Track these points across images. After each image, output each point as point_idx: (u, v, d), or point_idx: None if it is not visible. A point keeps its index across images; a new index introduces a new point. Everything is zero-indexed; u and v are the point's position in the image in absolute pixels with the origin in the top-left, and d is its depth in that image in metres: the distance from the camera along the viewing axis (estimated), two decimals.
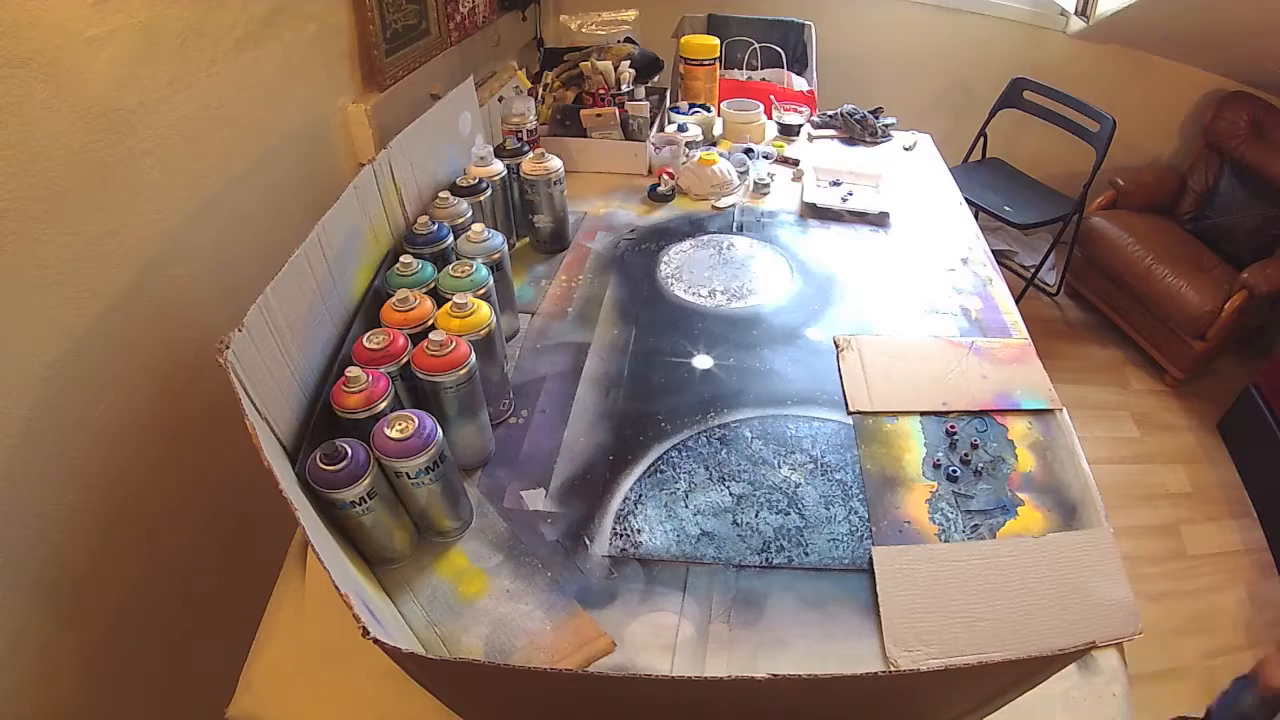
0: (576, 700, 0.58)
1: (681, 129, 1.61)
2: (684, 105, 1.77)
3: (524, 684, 0.54)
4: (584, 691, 0.55)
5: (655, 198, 1.50)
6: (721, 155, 1.54)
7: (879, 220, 1.44)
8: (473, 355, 0.82)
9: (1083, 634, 0.74)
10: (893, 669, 0.49)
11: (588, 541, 0.83)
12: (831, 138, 1.80)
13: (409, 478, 0.74)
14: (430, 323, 0.87)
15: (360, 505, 0.71)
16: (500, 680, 0.54)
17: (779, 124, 1.80)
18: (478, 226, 1.02)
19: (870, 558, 0.81)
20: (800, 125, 1.79)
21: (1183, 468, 2.07)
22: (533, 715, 0.67)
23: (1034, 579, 0.80)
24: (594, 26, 1.67)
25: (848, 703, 0.56)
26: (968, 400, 1.01)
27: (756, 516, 0.86)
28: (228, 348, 0.65)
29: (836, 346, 1.10)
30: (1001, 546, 0.83)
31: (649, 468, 0.92)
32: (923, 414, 0.99)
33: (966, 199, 1.57)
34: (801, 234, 1.40)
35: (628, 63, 1.60)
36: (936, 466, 0.92)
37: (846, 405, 1.00)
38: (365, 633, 0.51)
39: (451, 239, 1.02)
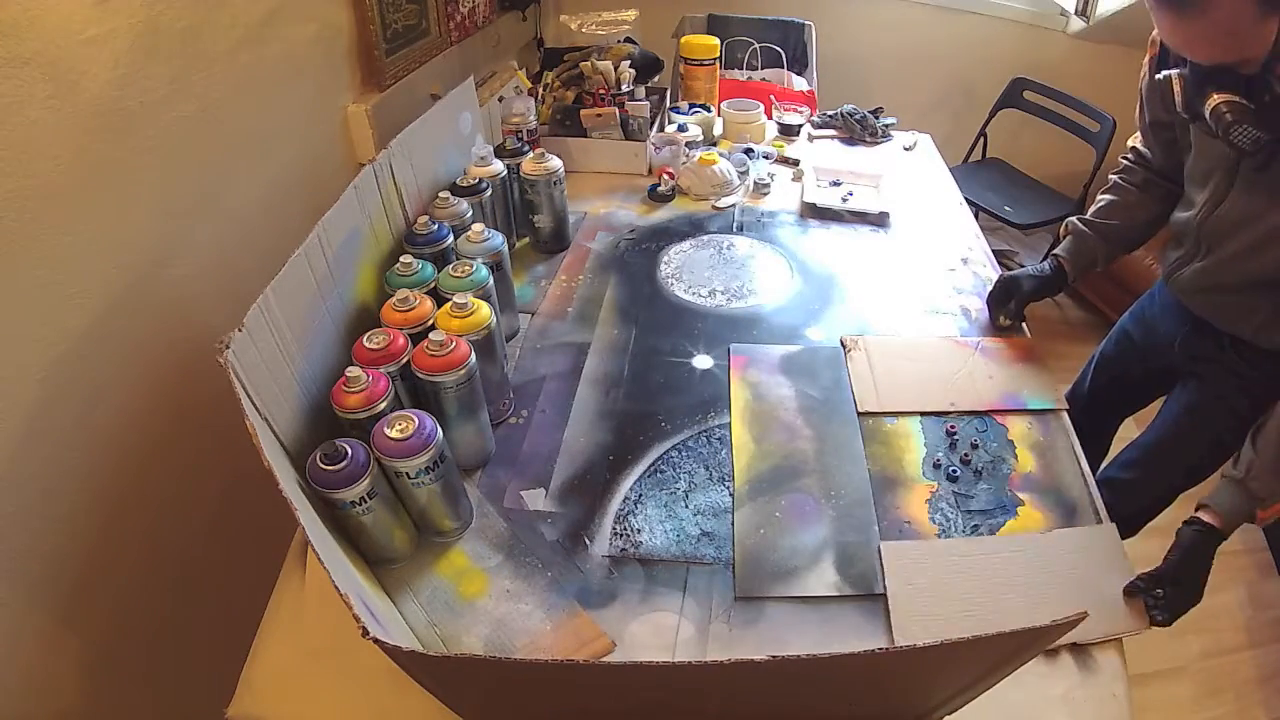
0: (576, 694, 0.58)
1: (681, 129, 1.61)
2: (684, 105, 1.77)
3: (523, 678, 0.54)
4: (584, 683, 0.55)
5: (655, 198, 1.50)
6: (721, 155, 1.53)
7: (879, 220, 1.44)
8: (473, 355, 0.82)
9: (1089, 629, 0.74)
10: (890, 648, 0.49)
11: (588, 541, 0.83)
12: (831, 138, 1.80)
13: (409, 478, 0.74)
14: (430, 323, 0.87)
15: (360, 505, 0.71)
16: (499, 675, 0.54)
17: (779, 124, 1.80)
18: (478, 226, 1.02)
19: (878, 549, 0.82)
20: (800, 125, 1.79)
21: None
22: (533, 713, 0.67)
23: (1039, 573, 0.80)
24: (594, 26, 1.67)
25: (848, 683, 0.57)
26: (975, 400, 1.01)
27: None
28: (228, 348, 0.65)
29: (844, 347, 1.10)
30: (1007, 543, 0.84)
31: (649, 468, 0.92)
32: (924, 414, 0.99)
33: (966, 199, 1.57)
34: (801, 234, 1.40)
35: (628, 63, 1.60)
36: (937, 466, 0.92)
37: (856, 405, 1.00)
38: (365, 632, 0.51)
39: (451, 239, 1.02)
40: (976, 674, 0.58)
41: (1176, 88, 0.84)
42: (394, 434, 0.72)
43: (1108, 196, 1.15)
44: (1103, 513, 0.87)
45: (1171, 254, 1.06)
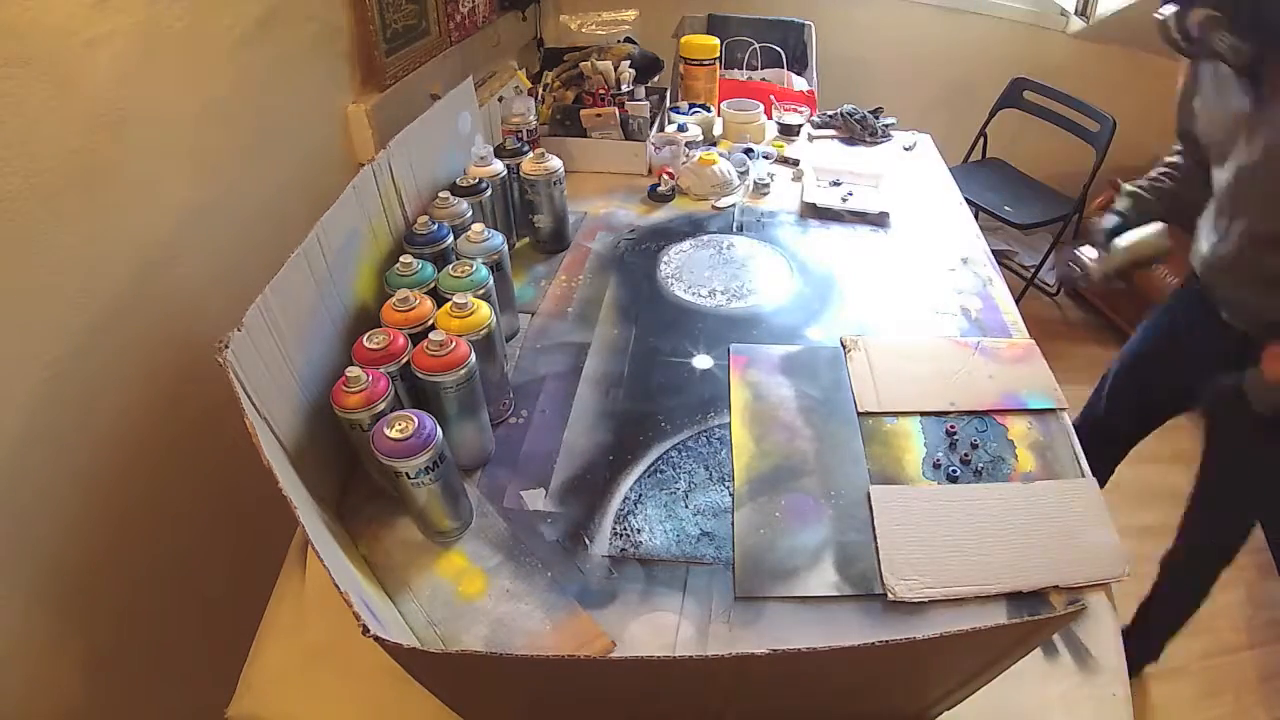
0: (576, 691, 0.58)
1: (681, 129, 1.60)
2: (684, 105, 1.77)
3: (523, 675, 0.54)
4: (583, 680, 0.55)
5: (655, 198, 1.50)
6: (721, 155, 1.53)
7: (879, 220, 1.44)
8: (473, 355, 0.82)
9: (1072, 574, 0.77)
10: (887, 641, 0.49)
11: (588, 541, 0.83)
12: (831, 138, 1.80)
13: (408, 478, 0.74)
14: (430, 323, 0.87)
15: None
16: (499, 672, 0.54)
17: (779, 124, 1.80)
18: (478, 226, 1.02)
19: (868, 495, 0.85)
20: (800, 125, 1.79)
21: (1183, 467, 2.06)
22: (533, 710, 0.67)
23: (1023, 521, 0.83)
24: (594, 26, 1.67)
25: (846, 678, 0.57)
26: (974, 400, 1.00)
27: None
28: (227, 347, 0.65)
29: (844, 347, 1.10)
30: (991, 491, 0.87)
31: (649, 468, 0.92)
32: (924, 414, 0.99)
33: (966, 199, 1.57)
34: (801, 234, 1.40)
35: (628, 63, 1.60)
36: (937, 466, 0.92)
37: (856, 405, 1.00)
38: (365, 631, 0.51)
39: (451, 239, 1.02)
40: (974, 668, 0.58)
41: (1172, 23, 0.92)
42: (394, 434, 0.72)
43: (1157, 170, 1.27)
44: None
45: (1202, 244, 1.13)
